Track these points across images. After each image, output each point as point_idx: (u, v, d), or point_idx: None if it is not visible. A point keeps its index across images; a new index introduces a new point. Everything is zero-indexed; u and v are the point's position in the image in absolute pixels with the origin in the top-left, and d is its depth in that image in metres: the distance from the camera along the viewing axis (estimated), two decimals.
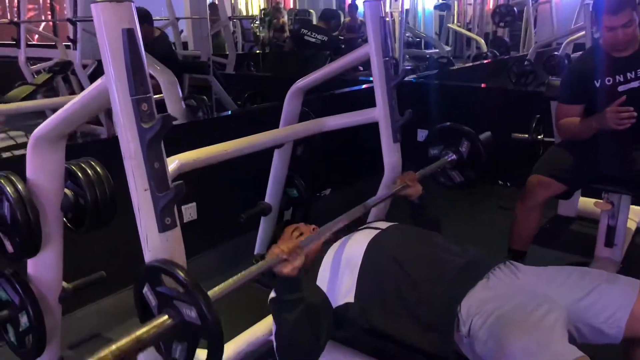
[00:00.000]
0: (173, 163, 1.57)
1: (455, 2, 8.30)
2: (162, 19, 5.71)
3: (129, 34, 1.24)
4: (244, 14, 10.90)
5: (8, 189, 1.52)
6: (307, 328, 1.38)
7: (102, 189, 1.62)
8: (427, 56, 6.29)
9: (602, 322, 1.36)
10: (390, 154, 2.15)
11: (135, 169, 1.28)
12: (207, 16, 6.33)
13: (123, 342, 1.03)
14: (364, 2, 2.05)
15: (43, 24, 6.84)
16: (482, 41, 6.65)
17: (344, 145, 3.30)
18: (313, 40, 4.70)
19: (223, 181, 2.80)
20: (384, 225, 1.71)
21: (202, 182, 2.80)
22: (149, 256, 1.33)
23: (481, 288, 1.41)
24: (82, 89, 4.43)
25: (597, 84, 2.33)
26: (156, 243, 1.31)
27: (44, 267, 1.75)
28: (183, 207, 2.73)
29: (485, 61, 5.98)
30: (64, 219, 1.75)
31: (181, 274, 1.13)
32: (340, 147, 3.25)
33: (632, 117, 2.14)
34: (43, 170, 1.60)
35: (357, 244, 1.59)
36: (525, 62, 5.28)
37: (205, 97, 4.27)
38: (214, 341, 1.11)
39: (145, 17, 3.84)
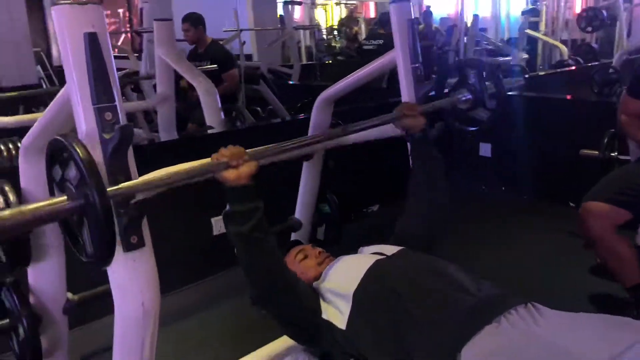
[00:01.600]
0: (162, 176, 1.45)
1: (544, 7, 7.78)
2: (229, 30, 5.78)
3: (91, 38, 1.15)
4: (323, 25, 10.97)
5: None
6: (266, 242, 1.28)
7: None
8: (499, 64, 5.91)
9: None
10: None
11: None
12: (270, 28, 6.41)
13: (11, 211, 0.97)
14: (389, 3, 1.87)
15: (123, 36, 7.20)
16: (564, 48, 6.15)
17: (392, 159, 3.09)
18: (370, 47, 4.57)
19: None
20: (391, 250, 1.51)
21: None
22: (112, 277, 1.24)
23: (488, 334, 1.18)
24: None
25: None
26: (120, 264, 1.21)
27: (45, 278, 1.73)
28: (213, 220, 2.67)
29: (562, 69, 5.50)
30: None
31: (79, 153, 1.03)
32: (388, 161, 3.06)
33: None
34: (35, 180, 1.57)
35: (355, 269, 1.42)
36: (610, 70, 4.77)
37: (258, 107, 4.26)
38: (96, 225, 1.01)
39: (198, 20, 3.87)
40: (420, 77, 1.89)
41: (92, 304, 1.91)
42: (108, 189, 1.07)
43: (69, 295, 1.82)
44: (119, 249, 1.21)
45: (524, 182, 3.57)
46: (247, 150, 1.28)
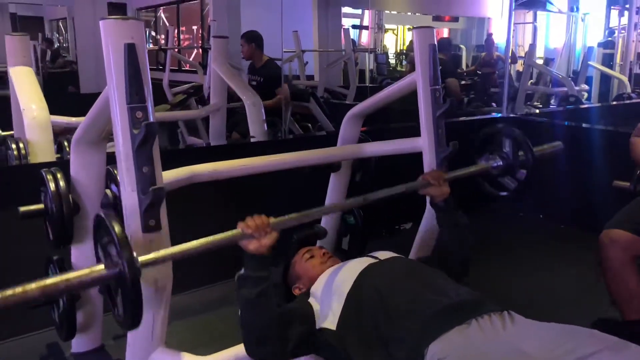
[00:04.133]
0: (185, 173, 1.64)
1: (620, 40, 7.57)
2: (288, 51, 6.05)
3: (130, 48, 1.36)
4: (392, 49, 11.13)
5: (49, 183, 1.73)
6: (268, 310, 1.35)
7: None
8: (557, 95, 5.84)
9: None
10: None
11: (125, 171, 1.38)
12: (330, 50, 6.62)
13: (55, 279, 1.12)
14: (413, 29, 2.00)
15: (195, 51, 7.66)
16: (626, 80, 5.98)
17: None
18: None
19: (285, 202, 2.85)
20: (384, 255, 1.62)
21: (265, 201, 2.89)
22: None
23: (456, 333, 1.26)
24: None
25: None
26: (138, 242, 1.40)
27: (84, 257, 1.95)
28: None
29: (619, 102, 5.36)
30: None
31: (115, 229, 1.18)
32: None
33: None
34: (83, 170, 1.80)
35: (350, 272, 1.53)
36: None
37: (309, 124, 4.46)
38: (128, 294, 1.16)
39: (252, 38, 4.15)
40: (438, 99, 2.00)
41: None
42: (140, 259, 1.21)
43: None
44: (138, 230, 1.40)
45: (562, 210, 3.53)
46: (271, 221, 1.37)
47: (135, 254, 1.18)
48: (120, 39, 1.35)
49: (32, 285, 1.08)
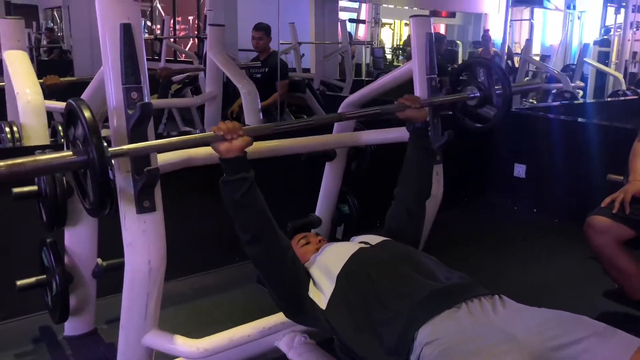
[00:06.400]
0: (180, 156, 1.63)
1: (616, 38, 7.59)
2: (284, 43, 6.04)
3: (126, 28, 1.35)
4: (388, 44, 11.12)
5: None
6: (257, 205, 1.38)
7: None
8: (552, 90, 5.86)
9: None
10: None
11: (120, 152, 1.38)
12: (326, 42, 6.61)
13: (24, 159, 1.13)
14: (410, 17, 2.00)
15: (190, 41, 7.63)
16: (621, 77, 6.00)
17: None
18: None
19: (280, 190, 2.86)
20: (375, 240, 1.63)
21: (260, 189, 2.89)
22: (125, 235, 1.42)
23: (445, 317, 1.27)
24: None
25: None
26: (132, 223, 1.40)
27: (78, 241, 1.95)
28: None
29: (614, 98, 5.39)
30: None
31: (85, 114, 1.17)
32: None
33: None
34: None
35: (341, 254, 1.53)
36: None
37: (304, 115, 4.46)
38: (97, 178, 1.16)
39: (269, 30, 4.18)
40: (435, 88, 2.00)
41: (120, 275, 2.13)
42: (110, 149, 1.22)
43: (99, 260, 2.01)
44: (132, 211, 1.40)
45: (556, 204, 3.55)
46: (243, 127, 1.40)
47: (105, 144, 1.19)
48: (116, 19, 1.35)
49: (1, 163, 1.10)
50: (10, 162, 1.11)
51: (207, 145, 1.42)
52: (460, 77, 2.06)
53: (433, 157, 1.77)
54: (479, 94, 1.96)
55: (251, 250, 1.43)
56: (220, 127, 1.37)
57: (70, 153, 1.20)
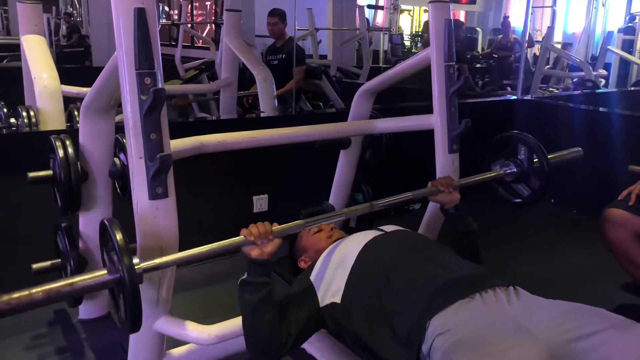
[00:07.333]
0: (193, 142, 1.62)
1: None
2: (301, 29, 5.99)
3: (140, 12, 1.33)
4: (407, 30, 11.01)
5: (58, 150, 1.73)
6: (269, 314, 1.35)
7: None
8: (574, 79, 5.74)
9: None
10: (444, 165, 2.00)
11: (133, 138, 1.37)
12: (343, 28, 6.56)
13: (59, 284, 1.11)
14: (429, 2, 1.95)
15: (207, 28, 7.61)
16: None
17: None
18: None
19: (294, 177, 2.85)
20: (390, 228, 1.61)
21: (275, 176, 2.89)
22: (138, 221, 1.42)
23: (459, 307, 1.25)
24: None
25: None
26: (145, 209, 1.39)
27: (92, 226, 1.96)
28: (255, 198, 2.85)
29: (634, 88, 5.25)
30: (117, 186, 1.92)
31: (116, 236, 1.17)
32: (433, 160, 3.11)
33: None
34: (91, 138, 1.80)
35: (355, 244, 1.52)
36: None
37: (320, 102, 4.44)
38: (128, 300, 1.15)
39: (285, 16, 4.18)
40: (452, 76, 1.96)
41: None
42: (142, 265, 1.20)
43: None
44: (144, 197, 1.40)
45: (574, 195, 3.49)
46: (274, 228, 1.35)
47: (136, 261, 1.18)
48: (130, 3, 1.33)
49: (38, 289, 1.09)
50: (46, 287, 1.10)
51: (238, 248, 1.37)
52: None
53: (476, 237, 1.70)
54: (516, 171, 1.89)
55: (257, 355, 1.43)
56: (251, 231, 1.33)
57: (105, 272, 1.19)
